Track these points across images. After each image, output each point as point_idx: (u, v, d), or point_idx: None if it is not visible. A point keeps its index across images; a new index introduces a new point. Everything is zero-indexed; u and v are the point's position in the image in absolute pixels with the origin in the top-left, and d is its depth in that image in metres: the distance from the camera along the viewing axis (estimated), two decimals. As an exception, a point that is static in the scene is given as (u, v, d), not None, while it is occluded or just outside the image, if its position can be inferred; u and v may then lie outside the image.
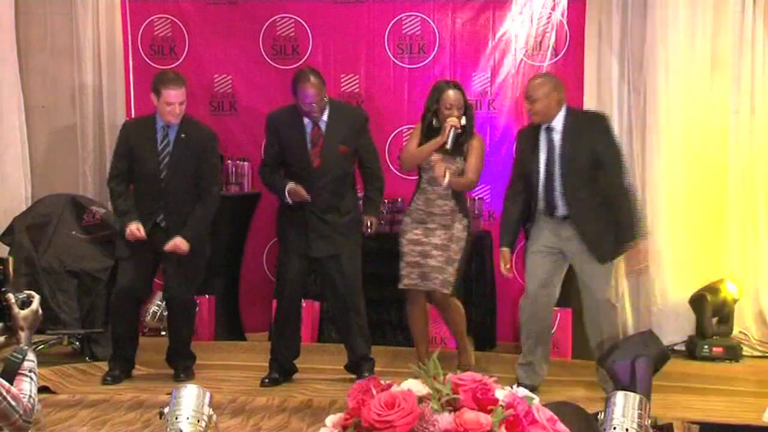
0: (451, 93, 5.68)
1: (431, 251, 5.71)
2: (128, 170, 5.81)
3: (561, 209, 5.44)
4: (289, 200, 5.68)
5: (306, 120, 5.67)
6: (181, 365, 5.95)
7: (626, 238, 5.42)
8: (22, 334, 2.79)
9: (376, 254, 6.30)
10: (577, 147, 5.41)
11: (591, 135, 5.45)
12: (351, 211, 5.79)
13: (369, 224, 5.76)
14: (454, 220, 5.74)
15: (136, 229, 5.68)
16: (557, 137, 5.43)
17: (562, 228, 5.48)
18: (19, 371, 2.70)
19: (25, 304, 2.82)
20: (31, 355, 2.75)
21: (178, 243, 5.69)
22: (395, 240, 5.94)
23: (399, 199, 6.84)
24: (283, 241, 5.85)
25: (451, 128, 5.61)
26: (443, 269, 5.69)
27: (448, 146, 5.64)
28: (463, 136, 5.70)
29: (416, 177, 5.91)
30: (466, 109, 5.75)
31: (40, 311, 2.85)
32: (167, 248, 5.69)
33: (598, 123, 5.56)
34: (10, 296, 2.80)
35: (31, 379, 2.72)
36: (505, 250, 5.66)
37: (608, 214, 5.44)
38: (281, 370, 5.87)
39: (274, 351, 5.91)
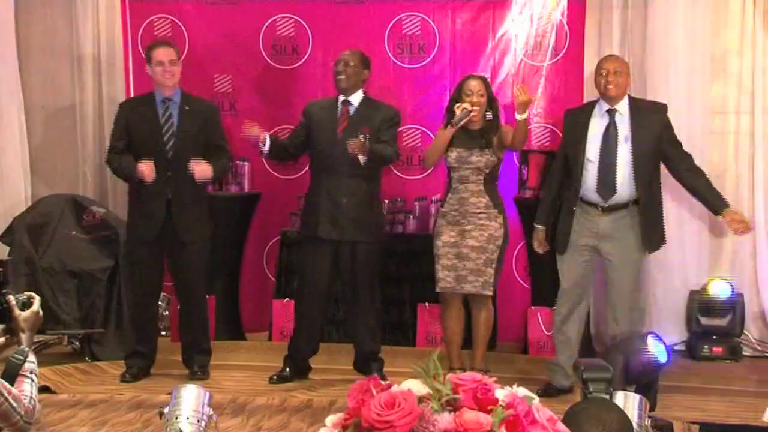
0: (472, 81, 5.72)
1: (468, 254, 5.63)
2: (126, 148, 5.77)
3: (621, 195, 5.42)
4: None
5: (338, 104, 5.72)
6: (197, 362, 5.92)
7: (719, 207, 5.58)
8: (23, 336, 2.79)
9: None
10: (647, 133, 5.47)
11: (657, 124, 5.52)
12: (370, 203, 5.70)
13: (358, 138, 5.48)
14: (490, 218, 5.65)
15: (147, 167, 5.60)
16: (623, 121, 5.45)
17: (601, 223, 5.45)
18: (20, 373, 2.71)
19: (26, 305, 2.82)
20: (32, 357, 2.76)
21: (204, 167, 5.66)
22: (395, 240, 5.92)
23: (399, 200, 6.84)
24: (301, 231, 5.85)
25: (462, 110, 5.57)
26: (482, 271, 5.62)
27: (453, 122, 5.56)
28: (489, 128, 5.68)
29: (415, 177, 5.90)
30: (491, 103, 5.73)
31: (41, 312, 2.85)
32: (193, 166, 5.60)
33: (663, 113, 5.61)
34: (11, 298, 2.80)
35: (32, 380, 2.72)
36: (540, 227, 5.66)
37: (657, 206, 5.53)
38: (294, 368, 5.87)
39: (289, 347, 5.91)
